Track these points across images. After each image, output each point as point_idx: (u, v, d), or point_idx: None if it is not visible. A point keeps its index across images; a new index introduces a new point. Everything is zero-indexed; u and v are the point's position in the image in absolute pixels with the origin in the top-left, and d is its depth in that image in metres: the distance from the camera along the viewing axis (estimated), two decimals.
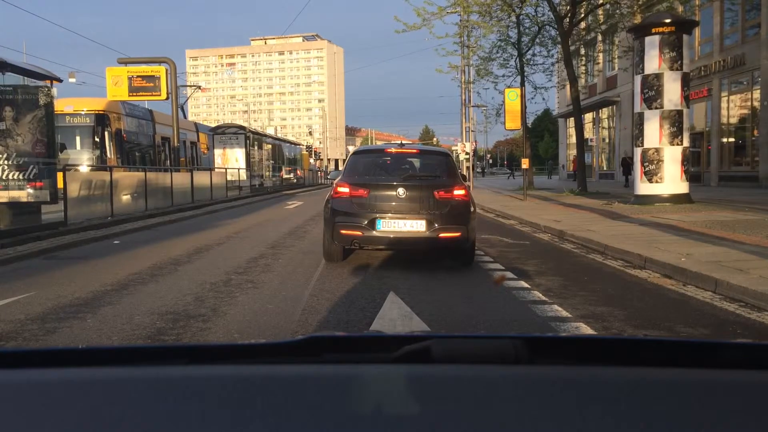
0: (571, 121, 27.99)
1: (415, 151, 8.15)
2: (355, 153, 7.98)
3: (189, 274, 6.87)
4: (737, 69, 21.84)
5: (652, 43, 13.85)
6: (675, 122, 13.82)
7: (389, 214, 6.74)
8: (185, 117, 36.26)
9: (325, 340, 1.10)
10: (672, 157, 13.88)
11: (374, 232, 6.72)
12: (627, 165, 28.27)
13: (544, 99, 59.06)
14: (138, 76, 22.45)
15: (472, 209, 7.01)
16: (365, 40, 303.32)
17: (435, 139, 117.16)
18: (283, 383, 0.90)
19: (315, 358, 0.99)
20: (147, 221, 13.79)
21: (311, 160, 55.07)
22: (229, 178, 25.49)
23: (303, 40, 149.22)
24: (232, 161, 29.45)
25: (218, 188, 22.91)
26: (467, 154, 31.30)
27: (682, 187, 14.02)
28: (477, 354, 0.97)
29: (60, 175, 11.41)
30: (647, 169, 14.13)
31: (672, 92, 13.77)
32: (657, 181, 14.03)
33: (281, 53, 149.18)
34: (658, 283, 6.12)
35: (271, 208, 19.60)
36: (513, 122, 22.79)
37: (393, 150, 7.67)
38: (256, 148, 32.20)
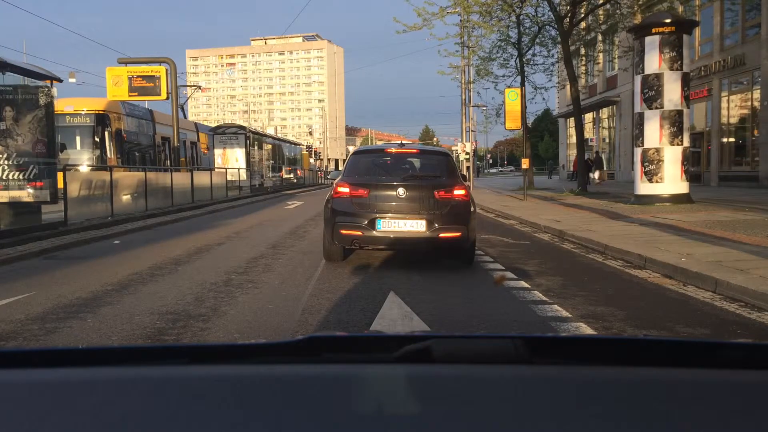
0: (571, 121, 27.99)
1: (415, 151, 8.15)
2: (355, 153, 7.98)
3: (189, 274, 6.87)
4: (737, 69, 21.83)
5: (652, 43, 13.85)
6: (675, 122, 13.81)
7: (389, 214, 6.74)
8: (185, 117, 36.27)
9: (325, 340, 1.10)
10: (672, 157, 13.88)
11: (374, 232, 6.72)
12: (588, 166, 28.69)
13: (544, 99, 59.06)
14: (138, 76, 22.45)
15: (472, 209, 7.01)
16: (365, 40, 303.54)
17: (435, 139, 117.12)
18: (283, 383, 0.90)
19: (315, 358, 0.99)
20: (147, 221, 13.79)
21: (311, 160, 55.05)
22: (229, 178, 25.49)
23: (303, 40, 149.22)
24: (232, 161, 29.44)
25: (218, 188, 22.92)
26: (467, 154, 31.30)
27: (682, 187, 14.02)
28: (477, 354, 0.97)
29: (60, 175, 11.41)
30: (647, 169, 14.12)
31: (672, 92, 13.76)
32: (657, 181, 14.02)
33: (281, 53, 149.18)
34: (658, 283, 6.12)
35: (271, 208, 19.60)
36: (513, 122, 22.82)
37: (393, 150, 7.67)
38: (256, 148, 32.19)
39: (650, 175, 14.09)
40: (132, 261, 7.93)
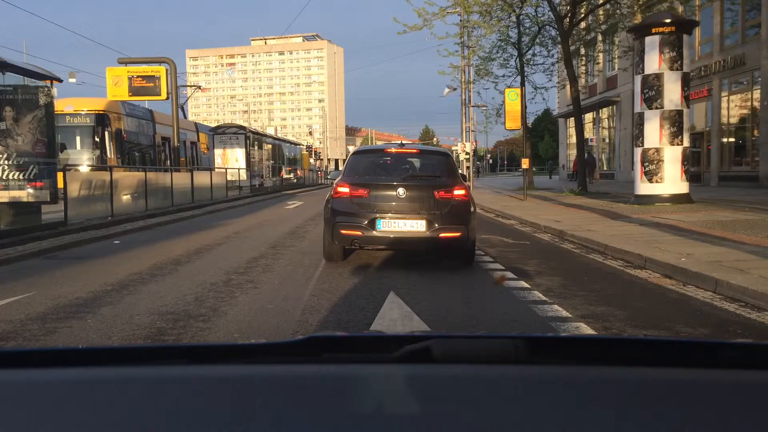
0: (571, 121, 28.00)
1: (415, 151, 8.15)
2: (355, 153, 7.98)
3: (189, 274, 6.87)
4: (737, 69, 21.83)
5: (652, 43, 13.85)
6: (675, 122, 13.81)
7: (389, 214, 6.74)
8: (185, 117, 36.25)
9: (325, 340, 1.10)
10: (672, 157, 13.88)
11: (374, 232, 6.72)
12: (583, 167, 28.75)
13: (544, 99, 59.18)
14: (138, 76, 22.44)
15: (472, 209, 7.01)
16: (365, 40, 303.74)
17: (435, 139, 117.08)
18: (283, 383, 0.90)
19: (315, 358, 0.99)
20: (147, 221, 13.79)
21: (311, 160, 55.05)
22: (229, 178, 25.49)
23: (303, 40, 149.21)
24: (232, 161, 29.44)
25: (218, 188, 22.92)
26: (467, 154, 31.30)
27: (682, 187, 14.02)
28: (477, 354, 0.97)
29: (60, 175, 11.41)
30: (647, 169, 14.12)
31: (672, 92, 13.76)
32: (657, 181, 14.02)
33: (281, 53, 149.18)
34: (658, 283, 6.12)
35: (272, 208, 19.60)
36: (513, 122, 22.82)
37: (393, 150, 7.66)
38: (256, 148, 32.19)
39: (650, 175, 14.09)
40: (132, 261, 7.93)
